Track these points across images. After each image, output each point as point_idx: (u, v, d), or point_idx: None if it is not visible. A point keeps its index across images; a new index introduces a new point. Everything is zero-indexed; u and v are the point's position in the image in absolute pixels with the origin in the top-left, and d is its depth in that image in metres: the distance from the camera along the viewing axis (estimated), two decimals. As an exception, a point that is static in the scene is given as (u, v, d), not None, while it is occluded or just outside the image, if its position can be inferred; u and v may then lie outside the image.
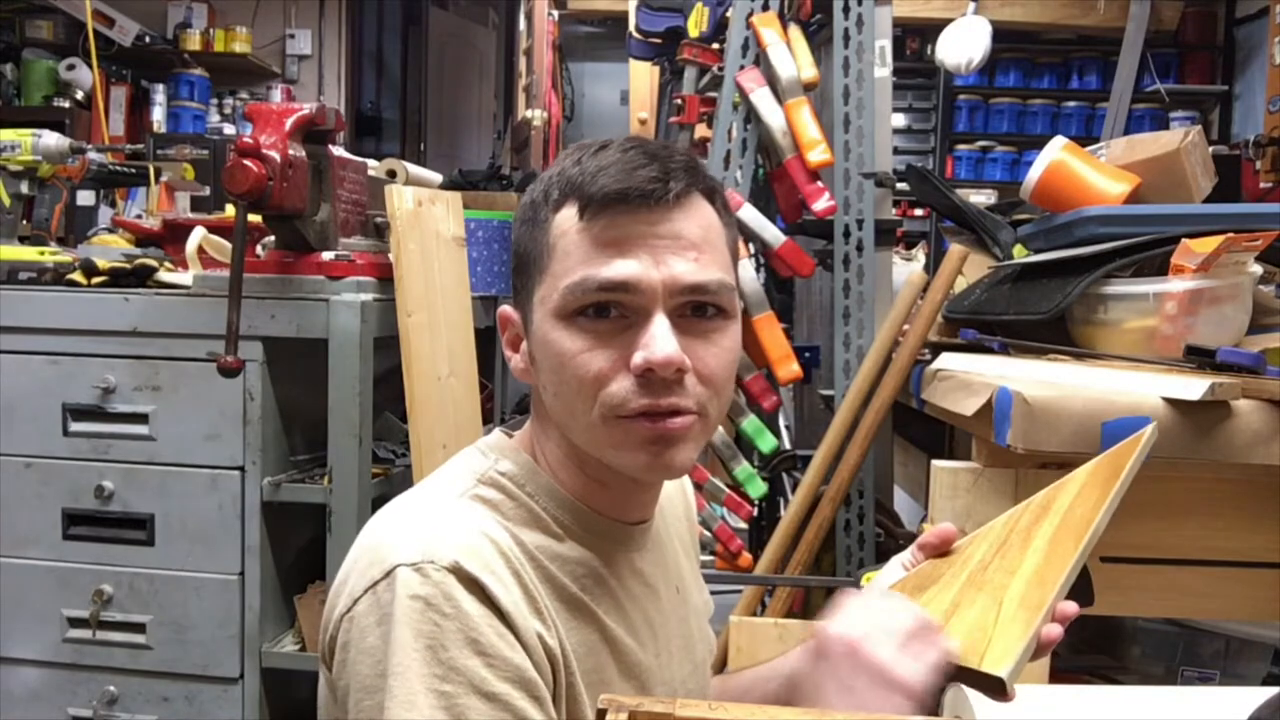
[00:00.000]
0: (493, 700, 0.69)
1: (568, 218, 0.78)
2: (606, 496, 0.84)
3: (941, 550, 0.88)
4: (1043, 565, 0.77)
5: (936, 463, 1.32)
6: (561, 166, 0.81)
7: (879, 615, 0.76)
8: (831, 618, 0.78)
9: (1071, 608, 0.76)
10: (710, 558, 1.97)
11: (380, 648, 0.71)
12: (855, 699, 0.72)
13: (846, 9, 1.98)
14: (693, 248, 0.77)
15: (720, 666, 1.50)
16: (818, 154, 1.94)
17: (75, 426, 1.81)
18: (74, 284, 1.85)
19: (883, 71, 2.03)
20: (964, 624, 0.75)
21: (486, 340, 2.12)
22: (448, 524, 0.77)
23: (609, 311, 0.77)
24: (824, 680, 0.75)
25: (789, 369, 1.94)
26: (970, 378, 1.39)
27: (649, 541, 0.89)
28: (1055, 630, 0.74)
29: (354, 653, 0.72)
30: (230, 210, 1.76)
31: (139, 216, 2.73)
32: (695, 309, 0.78)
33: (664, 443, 0.77)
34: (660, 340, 0.75)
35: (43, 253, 1.97)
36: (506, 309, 0.86)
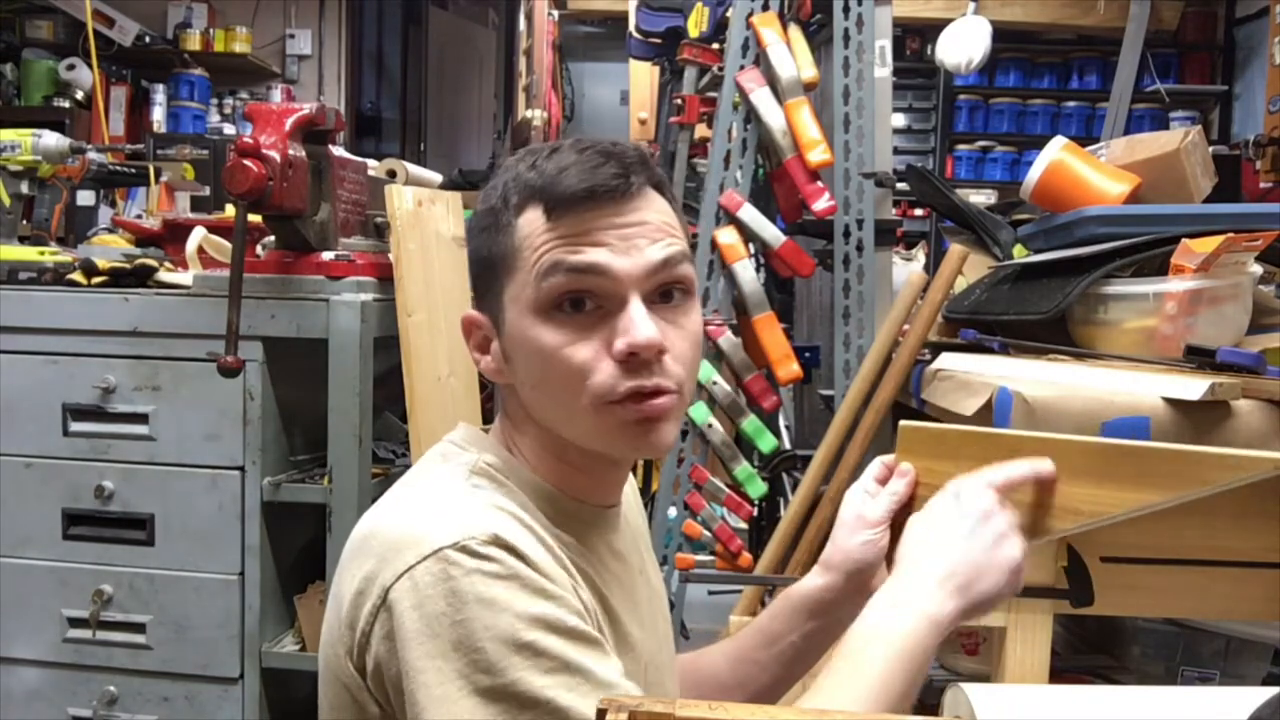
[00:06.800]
0: (571, 634, 0.74)
1: (532, 220, 0.82)
2: (584, 482, 0.88)
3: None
4: None
5: (936, 463, 1.32)
6: (515, 172, 0.85)
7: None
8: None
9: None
10: (710, 558, 1.97)
11: (445, 618, 0.72)
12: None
13: (846, 9, 1.98)
14: (658, 231, 0.83)
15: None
16: (818, 154, 1.94)
17: (75, 426, 1.81)
18: (74, 284, 1.85)
19: (883, 71, 2.03)
20: None
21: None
22: (467, 505, 0.80)
23: (584, 304, 0.81)
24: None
25: (789, 369, 1.94)
26: (970, 378, 1.39)
27: (620, 523, 0.94)
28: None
29: (409, 632, 0.73)
30: (230, 210, 1.76)
31: (139, 216, 2.73)
32: (664, 294, 0.83)
33: (651, 422, 0.82)
34: (640, 324, 0.79)
35: (43, 253, 1.96)
36: (472, 314, 0.89)
